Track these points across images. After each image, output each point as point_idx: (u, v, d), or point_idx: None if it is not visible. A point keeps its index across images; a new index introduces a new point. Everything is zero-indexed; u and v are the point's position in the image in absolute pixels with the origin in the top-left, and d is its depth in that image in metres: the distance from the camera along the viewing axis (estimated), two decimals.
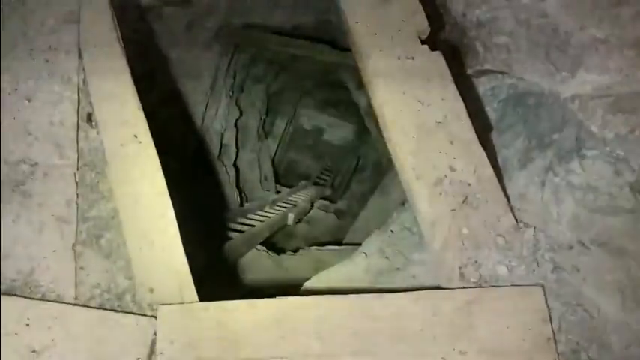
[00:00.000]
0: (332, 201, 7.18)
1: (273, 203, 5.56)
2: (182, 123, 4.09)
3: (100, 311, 1.59)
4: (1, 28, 1.86)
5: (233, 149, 5.44)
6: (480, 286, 1.74)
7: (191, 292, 1.65)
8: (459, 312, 1.67)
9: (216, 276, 3.13)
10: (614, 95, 1.81)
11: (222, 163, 5.12)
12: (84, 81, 1.85)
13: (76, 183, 1.74)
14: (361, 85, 5.28)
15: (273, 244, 4.63)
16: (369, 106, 5.32)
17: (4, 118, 1.75)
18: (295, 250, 4.37)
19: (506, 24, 2.03)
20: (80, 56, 1.87)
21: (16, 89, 1.80)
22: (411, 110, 1.93)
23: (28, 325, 1.52)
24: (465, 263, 1.76)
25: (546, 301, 1.70)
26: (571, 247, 1.80)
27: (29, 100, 1.79)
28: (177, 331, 1.58)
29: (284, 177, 7.52)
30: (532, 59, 2.03)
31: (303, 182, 7.39)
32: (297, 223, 5.65)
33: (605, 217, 1.77)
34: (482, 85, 2.48)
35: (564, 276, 1.77)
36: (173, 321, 1.60)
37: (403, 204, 2.85)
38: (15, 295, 1.57)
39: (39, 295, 1.59)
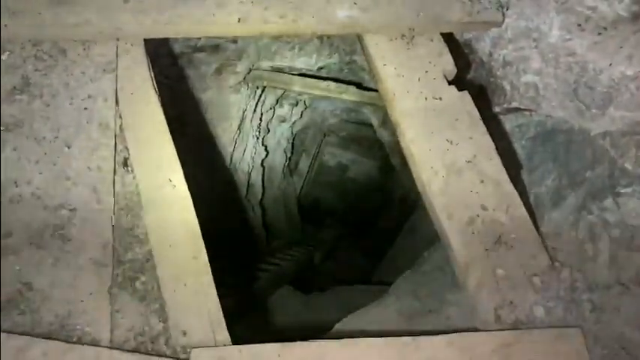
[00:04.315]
0: (358, 238, 7.13)
1: (299, 242, 5.56)
2: (211, 164, 4.16)
3: (135, 355, 1.59)
4: (44, 79, 1.95)
5: (259, 188, 5.49)
6: (517, 328, 1.70)
7: (224, 335, 1.65)
8: (495, 355, 1.63)
9: (245, 315, 3.11)
10: None
11: (249, 202, 5.17)
12: (120, 127, 1.91)
13: (112, 227, 1.77)
14: (385, 122, 5.35)
15: (300, 282, 4.60)
16: (395, 142, 5.35)
17: (45, 165, 1.81)
18: (322, 289, 4.33)
19: (533, 63, 2.04)
20: (117, 103, 1.94)
21: (57, 137, 1.87)
22: (440, 150, 1.93)
23: None
24: (501, 305, 1.73)
25: (586, 344, 1.65)
26: (610, 287, 1.76)
27: (69, 147, 1.86)
28: None
29: (309, 214, 7.52)
30: (561, 97, 2.03)
31: (328, 220, 7.39)
32: (323, 261, 5.63)
33: None
34: (509, 123, 2.48)
35: (604, 317, 1.72)
36: None
37: (432, 242, 2.82)
38: (52, 339, 1.59)
39: (75, 339, 1.61)
